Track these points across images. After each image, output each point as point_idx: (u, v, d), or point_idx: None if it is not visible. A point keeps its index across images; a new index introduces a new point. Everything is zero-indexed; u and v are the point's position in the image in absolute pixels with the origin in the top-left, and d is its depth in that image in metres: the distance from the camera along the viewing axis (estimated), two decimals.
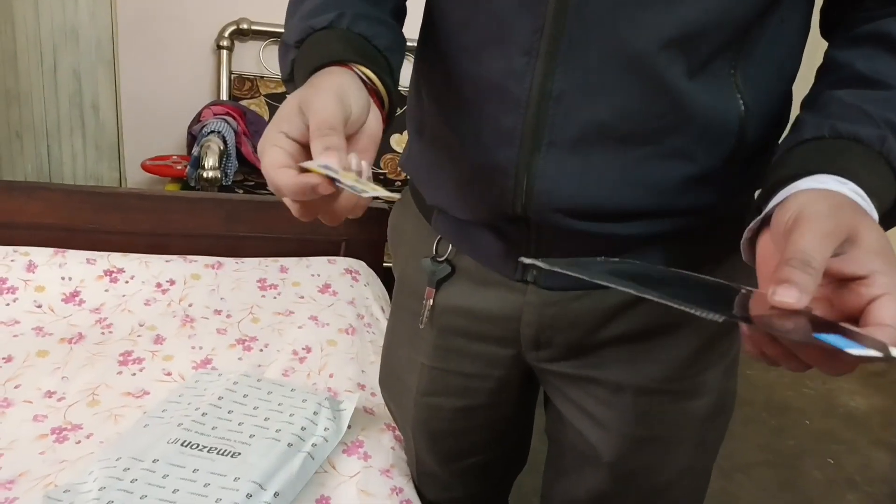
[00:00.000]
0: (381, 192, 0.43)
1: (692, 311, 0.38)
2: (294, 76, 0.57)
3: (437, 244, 0.71)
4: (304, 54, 0.55)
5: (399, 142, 2.74)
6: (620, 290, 0.41)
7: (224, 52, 2.59)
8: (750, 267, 0.49)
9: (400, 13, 0.64)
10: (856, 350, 0.34)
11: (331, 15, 0.55)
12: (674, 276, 0.48)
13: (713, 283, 0.45)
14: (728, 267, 0.65)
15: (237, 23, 2.55)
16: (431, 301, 0.72)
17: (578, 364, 0.69)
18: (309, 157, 0.46)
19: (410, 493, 0.89)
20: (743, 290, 0.43)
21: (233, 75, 2.62)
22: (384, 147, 2.77)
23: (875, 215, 0.44)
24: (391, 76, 0.55)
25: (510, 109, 0.56)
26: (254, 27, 2.59)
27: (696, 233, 0.63)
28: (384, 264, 1.58)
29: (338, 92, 0.48)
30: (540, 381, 0.76)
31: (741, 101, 0.55)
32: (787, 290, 0.38)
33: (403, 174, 2.77)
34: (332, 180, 0.44)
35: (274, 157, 0.46)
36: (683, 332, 0.65)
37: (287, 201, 0.48)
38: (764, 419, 2.17)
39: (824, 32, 0.59)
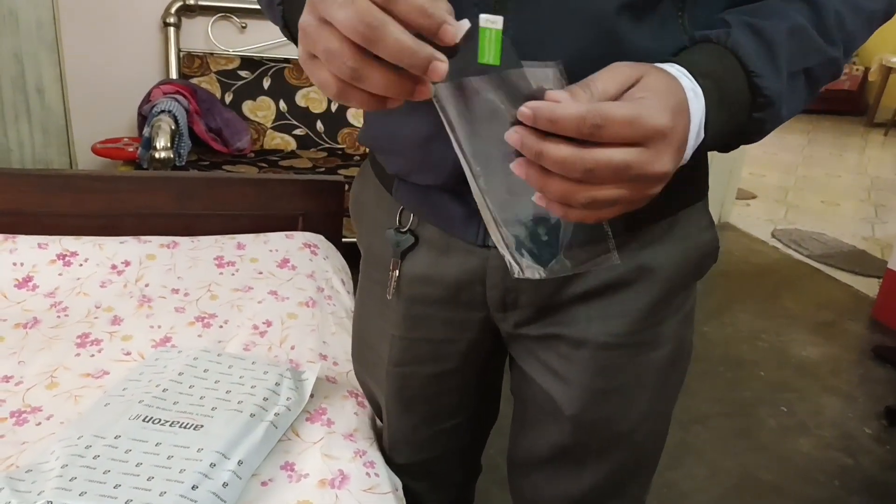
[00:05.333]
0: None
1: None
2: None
3: (400, 215, 0.71)
4: None
5: (356, 116, 2.73)
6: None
7: (171, 30, 2.54)
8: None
9: None
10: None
11: None
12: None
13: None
14: (683, 218, 0.68)
15: None
16: (397, 272, 0.73)
17: (544, 324, 0.70)
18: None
19: (374, 455, 0.91)
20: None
21: (181, 53, 2.57)
22: (341, 122, 2.75)
23: (695, 87, 0.50)
24: None
25: None
26: (201, 2, 2.54)
27: None
28: (343, 238, 1.59)
29: None
30: (506, 342, 0.77)
31: (687, 43, 0.56)
32: (559, 93, 0.44)
33: (362, 148, 2.75)
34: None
35: None
36: (643, 287, 0.67)
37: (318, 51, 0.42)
38: (720, 373, 2.25)
39: None
